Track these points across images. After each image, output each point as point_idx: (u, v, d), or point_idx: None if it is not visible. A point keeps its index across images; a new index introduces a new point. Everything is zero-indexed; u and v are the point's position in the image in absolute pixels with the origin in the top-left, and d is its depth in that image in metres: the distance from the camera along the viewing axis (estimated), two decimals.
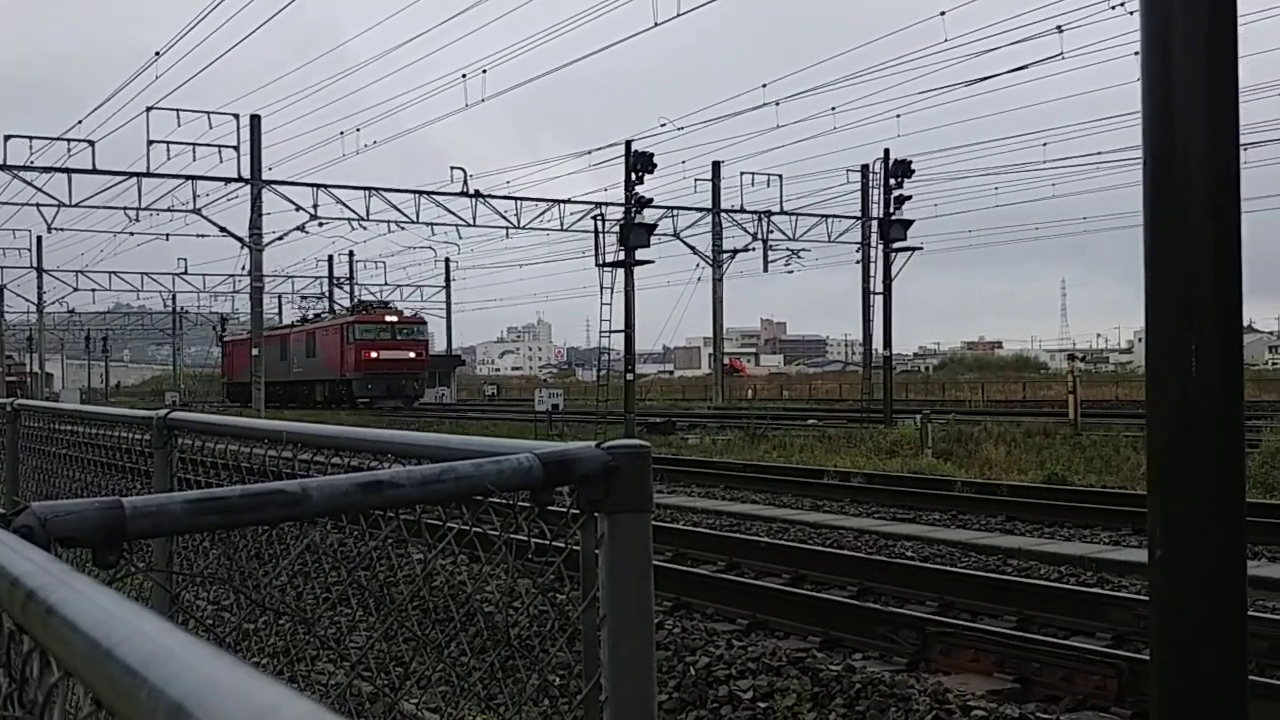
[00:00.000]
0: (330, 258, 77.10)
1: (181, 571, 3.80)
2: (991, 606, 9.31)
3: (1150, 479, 1.93)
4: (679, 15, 29.52)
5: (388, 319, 62.45)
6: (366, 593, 3.23)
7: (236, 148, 40.04)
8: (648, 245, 33.91)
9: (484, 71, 38.07)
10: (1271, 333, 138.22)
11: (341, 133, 44.68)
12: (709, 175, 51.62)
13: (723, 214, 51.75)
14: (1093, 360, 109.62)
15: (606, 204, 41.92)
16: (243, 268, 45.49)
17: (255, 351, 44.75)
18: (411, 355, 61.75)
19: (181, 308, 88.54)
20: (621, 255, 33.44)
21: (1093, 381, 60.26)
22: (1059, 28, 32.39)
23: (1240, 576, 1.78)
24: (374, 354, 59.64)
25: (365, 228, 45.62)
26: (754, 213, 50.50)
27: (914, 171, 37.74)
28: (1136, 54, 1.99)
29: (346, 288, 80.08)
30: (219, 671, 0.68)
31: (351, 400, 59.80)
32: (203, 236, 46.78)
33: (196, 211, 41.60)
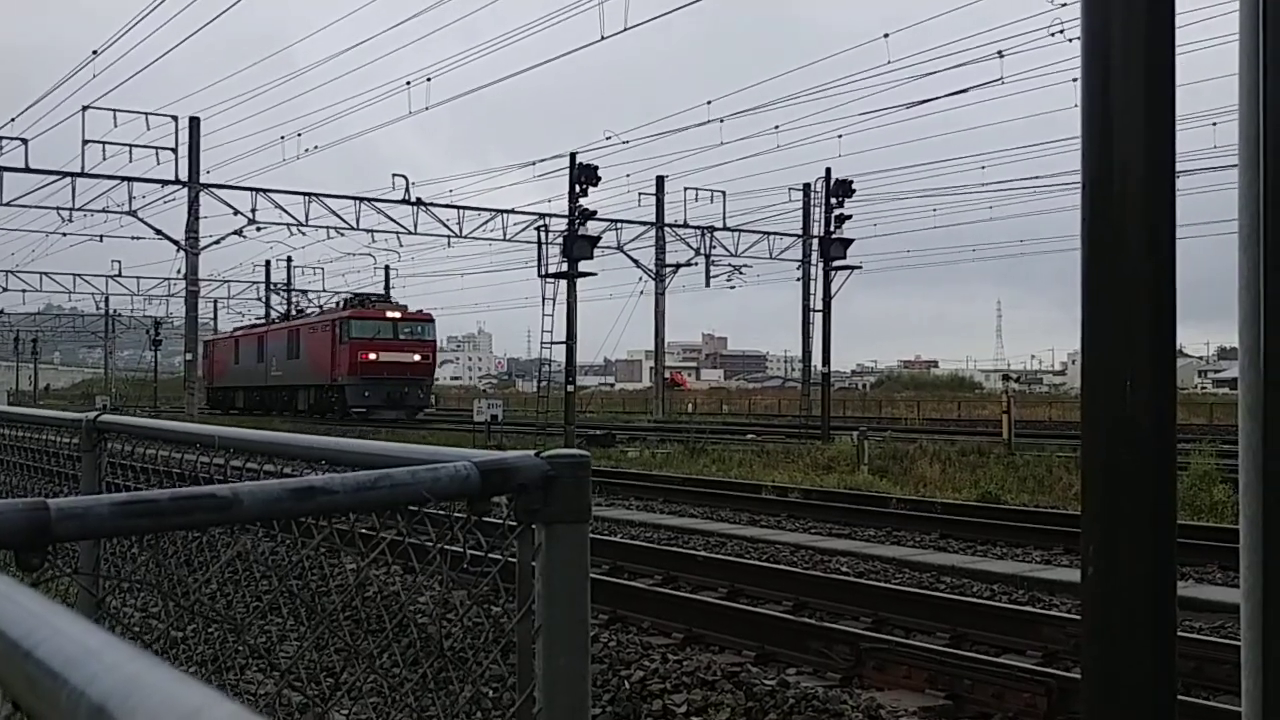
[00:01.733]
0: (268, 263, 76.15)
1: (108, 576, 3.72)
2: (925, 623, 9.39)
3: (1084, 499, 1.95)
4: (625, 30, 29.59)
5: (389, 314, 52.89)
6: (298, 601, 3.19)
7: (174, 150, 39.51)
8: (591, 257, 33.95)
9: (429, 80, 37.91)
10: (1200, 357, 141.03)
11: (282, 137, 44.47)
12: (653, 189, 51.79)
13: (666, 228, 51.92)
14: (1027, 381, 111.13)
15: (550, 215, 41.91)
16: (178, 271, 44.79)
17: (188, 356, 44.14)
18: (416, 358, 52.22)
19: (114, 310, 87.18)
20: (564, 267, 33.42)
21: (1026, 402, 61.09)
22: (1000, 53, 32.91)
23: (1171, 597, 1.80)
24: (372, 355, 50.34)
25: (304, 233, 45.17)
26: (697, 228, 50.74)
27: (855, 191, 38.12)
28: (1075, 80, 2.01)
29: (283, 294, 79.07)
30: (142, 672, 0.66)
31: (343, 409, 50.29)
32: (138, 239, 46.04)
33: (132, 213, 40.99)
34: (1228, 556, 11.48)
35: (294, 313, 64.16)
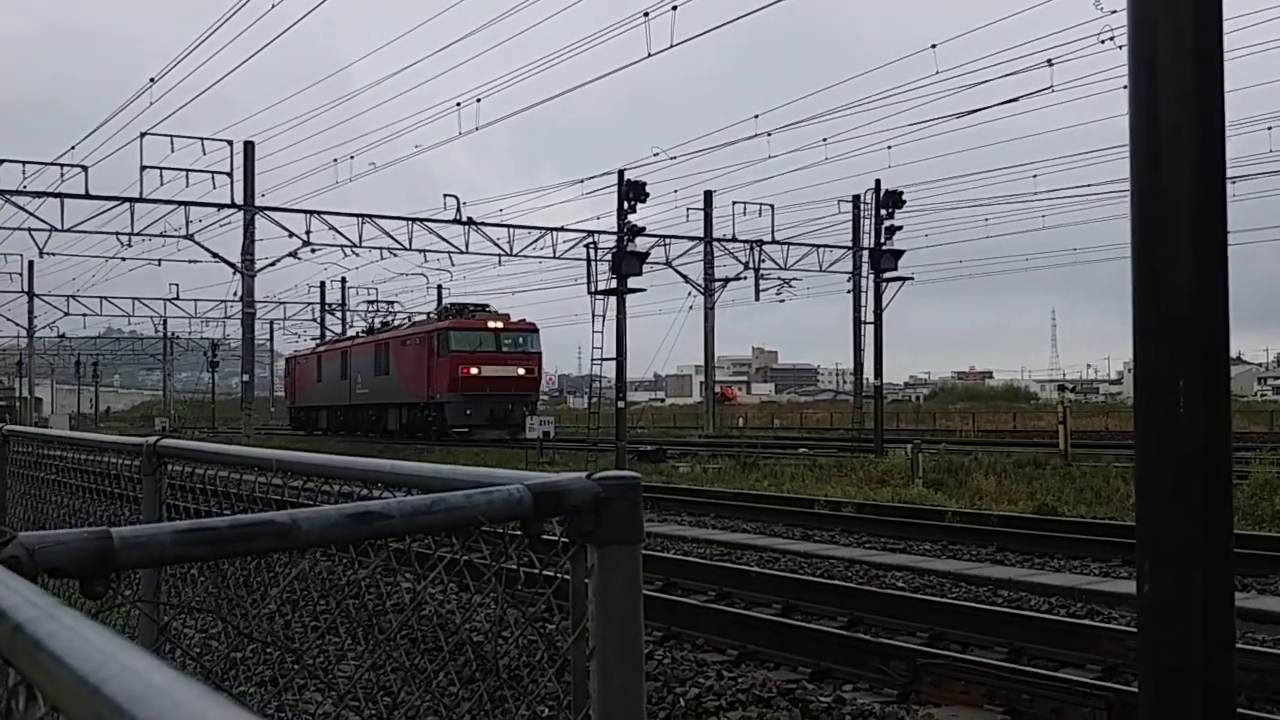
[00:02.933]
0: (322, 284, 77.02)
1: (168, 603, 3.78)
2: (982, 637, 9.29)
3: (1139, 512, 1.93)
4: (671, 46, 29.67)
5: (491, 324, 47.60)
6: (355, 622, 3.22)
7: (230, 174, 40.11)
8: (640, 273, 33.97)
9: (478, 100, 38.19)
10: (1260, 364, 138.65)
11: (335, 160, 44.77)
12: (701, 204, 51.82)
13: (715, 243, 51.90)
14: (1082, 391, 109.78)
15: (599, 232, 42.06)
16: (234, 293, 45.44)
17: (245, 378, 44.60)
18: (520, 371, 47.16)
19: (172, 333, 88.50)
20: (613, 283, 33.50)
21: (1083, 412, 60.36)
22: (1049, 61, 32.64)
23: (1228, 610, 1.78)
24: (474, 370, 45.41)
25: (358, 254, 45.60)
26: (746, 242, 50.69)
27: (905, 202, 37.91)
28: (1125, 88, 2.01)
29: (338, 314, 79.77)
30: (207, 710, 0.68)
31: (441, 428, 45.80)
32: (195, 262, 46.82)
33: (189, 237, 41.62)
34: None
35: (378, 325, 59.45)
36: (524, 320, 50.33)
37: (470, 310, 49.96)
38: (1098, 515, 17.93)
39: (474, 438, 43.70)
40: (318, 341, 71.18)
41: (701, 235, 52.01)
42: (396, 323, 58.11)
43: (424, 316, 53.57)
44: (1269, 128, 31.33)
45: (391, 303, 61.16)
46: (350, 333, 68.21)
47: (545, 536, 1.82)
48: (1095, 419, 58.98)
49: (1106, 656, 8.44)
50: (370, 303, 61.76)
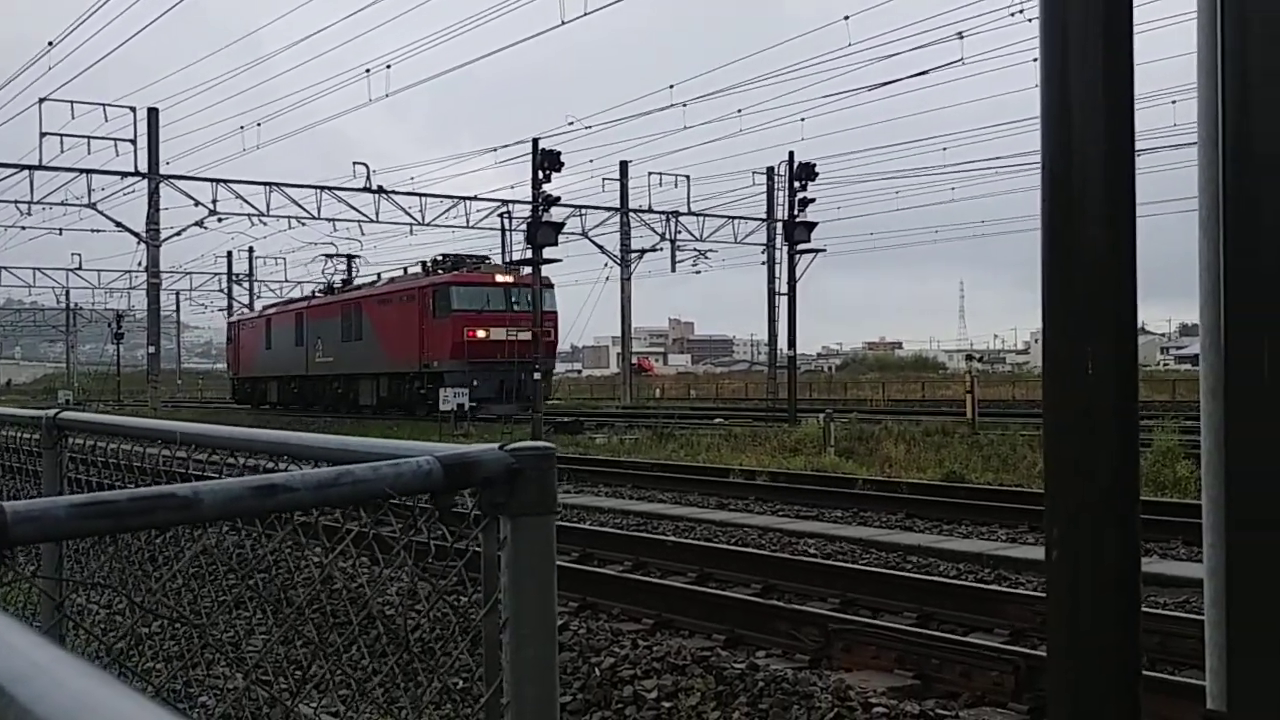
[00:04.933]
0: (229, 254, 75.63)
1: (70, 578, 3.68)
2: (892, 603, 9.44)
3: (1047, 478, 1.95)
4: (585, 15, 29.50)
5: (499, 279, 39.66)
6: (264, 596, 3.17)
7: (134, 141, 39.15)
8: (555, 244, 33.90)
9: (388, 66, 37.67)
10: (1163, 334, 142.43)
11: (242, 127, 43.89)
12: (617, 175, 51.75)
13: (630, 214, 51.91)
14: (990, 360, 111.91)
15: (514, 201, 41.84)
16: (139, 264, 44.45)
17: (151, 349, 43.69)
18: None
19: (75, 304, 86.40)
20: (529, 253, 33.31)
21: (990, 381, 61.52)
22: (960, 34, 33.11)
23: (1135, 573, 1.81)
24: (480, 333, 37.81)
25: (265, 223, 44.86)
26: (662, 213, 50.80)
27: (818, 174, 38.26)
28: (1036, 60, 2.01)
29: (245, 284, 78.39)
30: (91, 690, 0.64)
31: (438, 403, 36.34)
32: (98, 231, 45.78)
33: (91, 206, 40.61)
34: (1191, 532, 11.61)
35: (339, 284, 51.02)
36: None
37: (468, 262, 41.85)
38: (1004, 483, 18.30)
39: (478, 415, 36.07)
40: (265, 306, 63.26)
41: (617, 206, 51.97)
42: (363, 280, 49.58)
43: (400, 271, 44.86)
44: (1173, 101, 32.08)
45: (353, 256, 52.54)
46: (294, 296, 61.39)
47: (458, 509, 1.79)
48: (1002, 388, 60.18)
49: (1014, 621, 8.62)
50: (328, 256, 52.52)
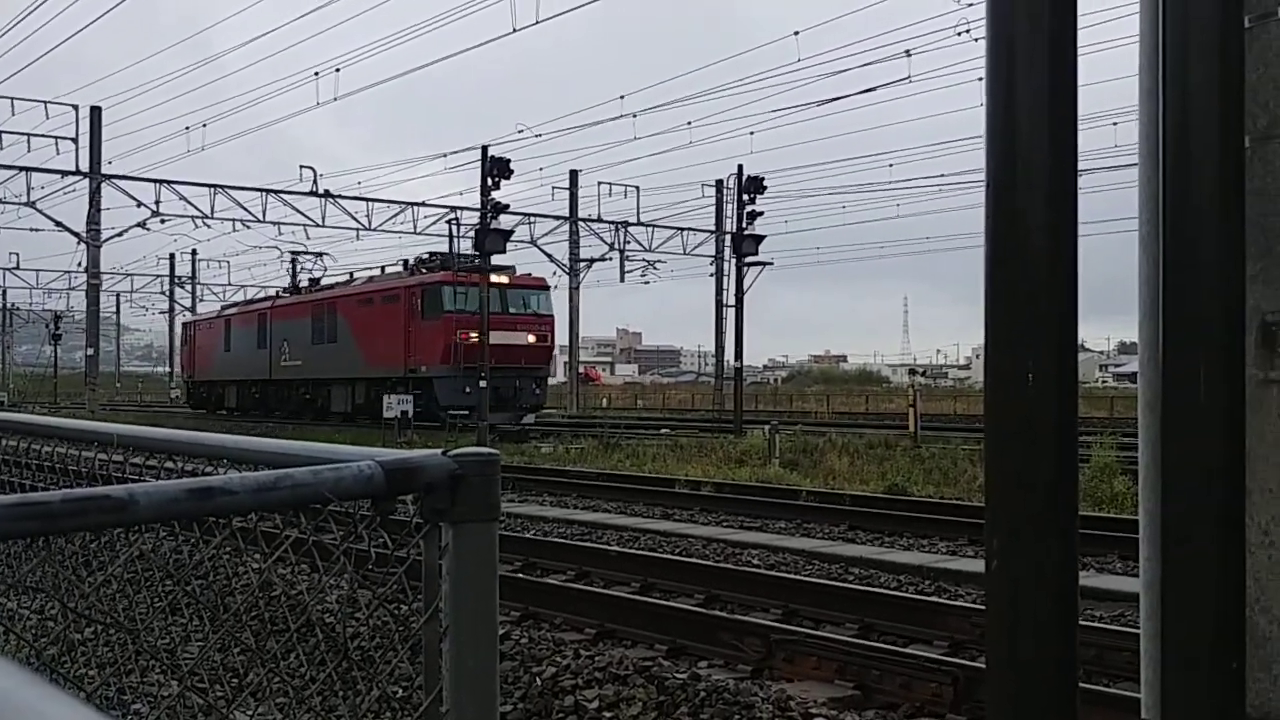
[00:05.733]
0: (172, 256, 74.66)
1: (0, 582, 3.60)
2: (833, 614, 9.49)
3: (988, 491, 1.97)
4: (537, 22, 29.48)
5: (494, 279, 35.20)
6: (201, 603, 3.12)
7: (75, 139, 38.55)
8: (503, 251, 33.77)
9: (337, 70, 37.39)
10: (1102, 352, 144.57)
11: (187, 128, 43.39)
12: (566, 184, 51.73)
13: (580, 223, 51.88)
14: (932, 375, 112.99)
15: (462, 208, 41.65)
16: (79, 264, 43.74)
17: (89, 351, 43.01)
18: (531, 339, 37.01)
19: (12, 304, 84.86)
20: (477, 261, 33.17)
21: (932, 396, 62.10)
22: (908, 52, 33.46)
23: (1073, 586, 1.83)
24: (475, 335, 34.33)
25: (209, 226, 44.31)
26: (611, 223, 50.81)
27: (766, 188, 38.42)
28: (981, 79, 2.04)
29: (188, 287, 77.40)
30: (13, 689, 0.63)
31: (435, 412, 34.54)
32: (36, 230, 44.96)
33: (30, 204, 39.90)
34: (1127, 547, 11.78)
35: (307, 284, 47.89)
36: (531, 274, 40.21)
37: (459, 260, 38.37)
38: (945, 496, 18.46)
39: (468, 423, 33.73)
40: (224, 306, 59.91)
41: (567, 215, 51.93)
42: (332, 280, 46.32)
43: (378, 271, 42.11)
44: (1114, 123, 32.59)
45: (321, 254, 48.75)
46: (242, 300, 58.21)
47: (399, 516, 1.78)
48: (944, 402, 60.77)
49: (953, 633, 8.69)
50: (295, 254, 48.90)
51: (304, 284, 48.09)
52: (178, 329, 67.20)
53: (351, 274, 44.86)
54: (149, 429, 3.09)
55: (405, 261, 40.65)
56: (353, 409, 39.39)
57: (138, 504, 1.55)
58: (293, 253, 49.13)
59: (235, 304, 56.99)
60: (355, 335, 39.63)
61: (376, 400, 36.11)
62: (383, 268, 42.73)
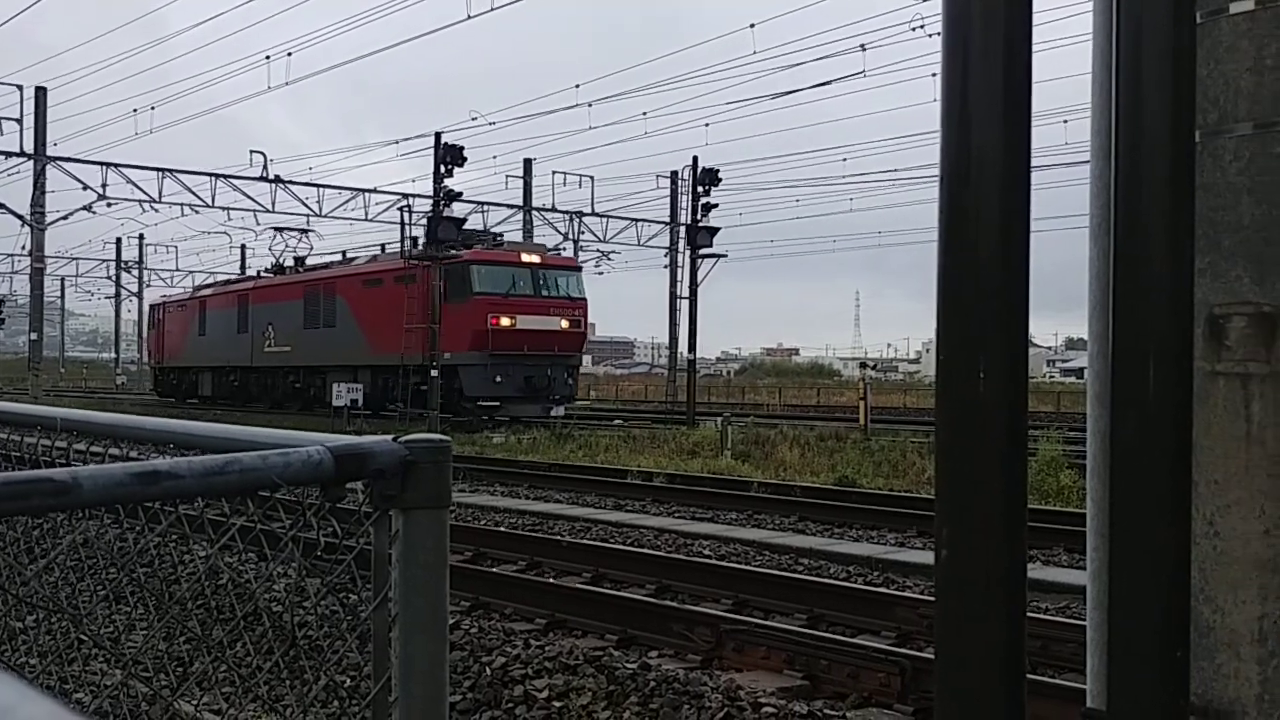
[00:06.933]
0: (119, 240, 73.59)
1: None
2: (784, 605, 9.54)
3: (938, 484, 1.98)
4: (492, 10, 29.31)
5: (525, 258, 33.64)
6: (146, 590, 3.08)
7: (20, 120, 37.89)
8: (456, 239, 33.54)
9: (289, 54, 37.00)
10: (1050, 347, 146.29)
11: (135, 110, 42.73)
12: (520, 172, 51.48)
13: (534, 212, 51.67)
14: (883, 369, 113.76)
15: (415, 195, 41.28)
16: (23, 247, 43.01)
17: (33, 336, 42.32)
18: (564, 324, 33.68)
19: None
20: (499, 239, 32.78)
21: (883, 389, 62.55)
22: (862, 46, 33.57)
23: (1021, 579, 1.84)
24: (506, 320, 31.94)
25: (157, 210, 43.63)
26: (565, 212, 50.60)
27: (721, 180, 38.52)
28: (935, 75, 2.05)
29: (135, 272, 76.37)
30: None
31: (456, 404, 32.25)
32: None
33: None
34: (1073, 539, 11.94)
35: (292, 262, 44.01)
36: (560, 252, 37.37)
37: (487, 238, 35.61)
38: (894, 488, 18.62)
39: (496, 420, 31.84)
40: (197, 286, 55.86)
41: (521, 204, 51.71)
42: (322, 260, 42.85)
43: (378, 250, 38.48)
44: (1065, 121, 32.93)
45: (305, 231, 44.03)
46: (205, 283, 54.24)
47: (347, 504, 1.76)
48: (894, 396, 61.25)
49: (901, 624, 8.76)
50: (278, 229, 43.70)
51: (288, 263, 44.48)
52: (145, 312, 62.79)
53: (345, 253, 42.04)
54: (94, 413, 3.05)
55: (415, 240, 36.59)
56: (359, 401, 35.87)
57: (80, 487, 1.52)
58: (275, 228, 43.85)
59: (211, 284, 53.33)
60: (359, 319, 36.10)
61: (383, 390, 34.01)
62: (383, 246, 40.05)
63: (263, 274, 46.05)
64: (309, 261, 44.06)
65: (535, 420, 32.10)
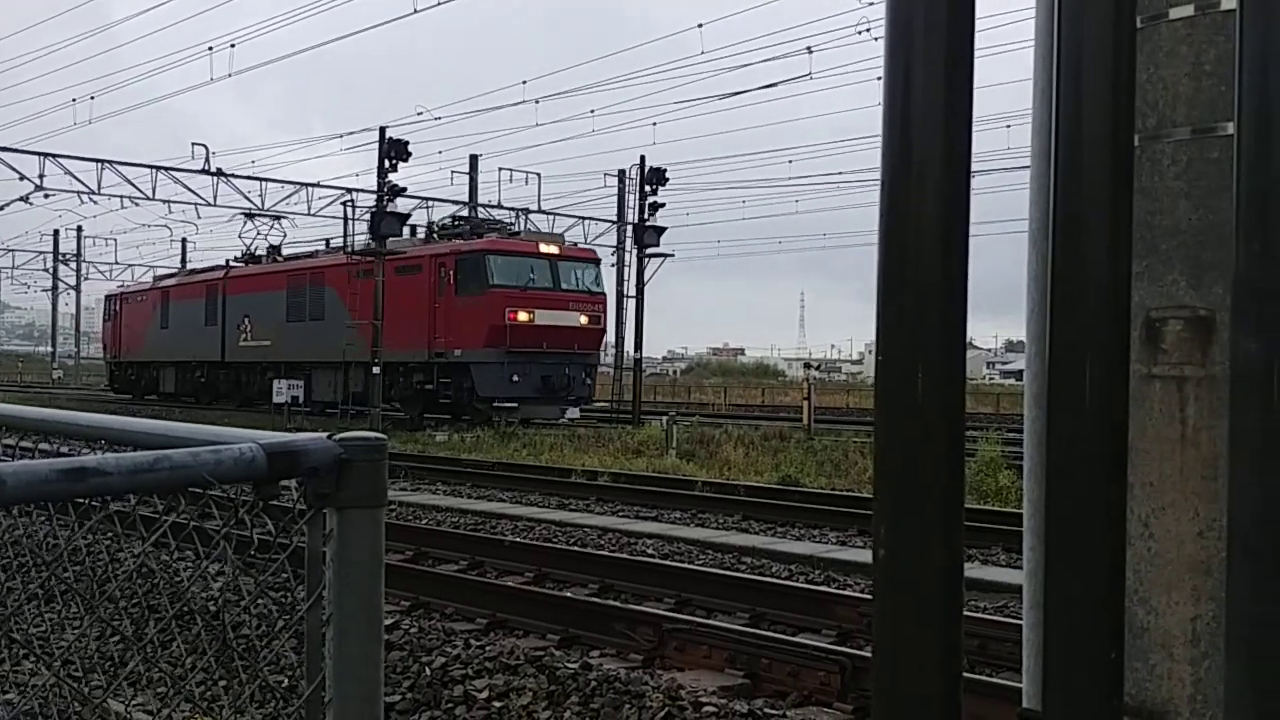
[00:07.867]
0: (56, 232, 72.32)
1: None
2: (726, 603, 9.57)
3: (876, 481, 1.99)
4: (439, 4, 29.11)
5: (543, 248, 31.92)
6: (77, 590, 3.02)
7: None
8: (400, 235, 33.31)
9: (232, 45, 36.52)
10: (990, 349, 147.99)
11: (74, 100, 42.01)
12: (466, 168, 51.19)
13: (480, 208, 51.40)
14: (827, 369, 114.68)
15: (358, 190, 40.90)
16: None
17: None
18: (584, 320, 31.86)
19: None
20: (372, 244, 32.70)
21: (826, 389, 62.97)
22: (809, 48, 33.78)
23: (958, 578, 1.85)
24: (524, 315, 30.13)
25: (96, 202, 42.88)
26: (511, 209, 50.36)
27: (668, 179, 38.57)
28: (879, 79, 2.05)
29: (72, 265, 75.11)
30: None
31: (468, 405, 30.81)
32: None
33: None
34: (1011, 539, 12.07)
35: (266, 250, 40.53)
36: (578, 244, 35.24)
37: (501, 227, 33.75)
38: (836, 487, 18.75)
39: (506, 420, 29.81)
40: (158, 277, 52.32)
41: (466, 200, 51.43)
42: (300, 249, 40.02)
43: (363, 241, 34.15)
44: (1008, 126, 33.29)
45: (279, 216, 40.35)
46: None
47: (281, 502, 1.73)
48: (837, 396, 61.65)
49: (841, 622, 8.82)
50: (247, 216, 39.18)
51: (260, 252, 41.45)
52: (100, 303, 58.69)
53: (328, 240, 39.16)
54: (22, 408, 2.98)
55: (428, 227, 35.27)
56: (348, 396, 33.61)
57: (4, 484, 1.48)
58: (246, 213, 39.52)
59: (174, 273, 50.28)
60: (353, 311, 33.63)
61: (386, 386, 31.71)
62: (327, 241, 38.61)
63: (233, 263, 43.29)
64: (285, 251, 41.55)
65: (547, 422, 30.67)
